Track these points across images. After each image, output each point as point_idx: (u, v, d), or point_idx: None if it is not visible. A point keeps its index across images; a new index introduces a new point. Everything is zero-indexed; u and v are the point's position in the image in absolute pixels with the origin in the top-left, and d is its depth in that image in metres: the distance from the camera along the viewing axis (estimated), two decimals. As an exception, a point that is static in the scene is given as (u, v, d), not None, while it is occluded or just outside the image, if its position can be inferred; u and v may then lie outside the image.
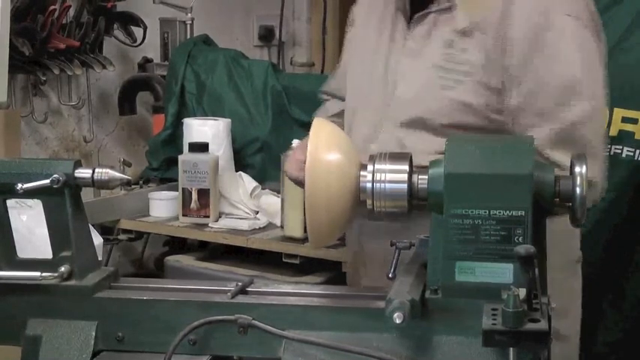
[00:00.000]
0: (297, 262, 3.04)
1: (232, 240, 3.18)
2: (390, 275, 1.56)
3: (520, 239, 1.33)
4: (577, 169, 1.36)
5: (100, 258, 1.69)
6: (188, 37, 3.98)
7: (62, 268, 1.49)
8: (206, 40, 3.95)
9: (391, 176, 1.42)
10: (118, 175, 1.53)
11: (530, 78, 1.79)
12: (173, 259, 3.30)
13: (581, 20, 1.83)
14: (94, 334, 1.47)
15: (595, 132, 1.82)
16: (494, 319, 1.25)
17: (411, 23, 1.92)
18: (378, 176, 1.42)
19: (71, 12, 3.59)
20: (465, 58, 1.82)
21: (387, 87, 1.93)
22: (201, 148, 3.29)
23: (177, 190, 3.31)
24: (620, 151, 2.73)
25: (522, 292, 1.25)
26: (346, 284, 2.24)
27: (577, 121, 1.78)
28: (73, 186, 1.49)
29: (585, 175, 1.36)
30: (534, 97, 1.79)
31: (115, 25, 3.80)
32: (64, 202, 1.49)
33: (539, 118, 1.79)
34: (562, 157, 1.73)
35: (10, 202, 1.52)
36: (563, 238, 1.96)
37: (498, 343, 1.24)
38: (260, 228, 3.22)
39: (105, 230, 3.40)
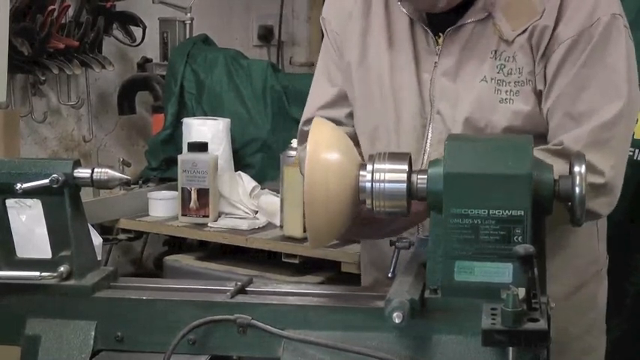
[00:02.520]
0: (296, 261, 3.05)
1: (232, 240, 3.18)
2: (389, 275, 1.55)
3: (519, 239, 1.33)
4: (576, 169, 1.36)
5: (99, 258, 1.69)
6: (187, 36, 3.98)
7: (61, 268, 1.49)
8: (205, 40, 3.95)
9: (390, 176, 1.41)
10: (117, 174, 1.52)
11: (569, 79, 1.76)
12: (172, 259, 3.30)
13: (622, 19, 1.80)
14: (93, 333, 1.47)
15: (622, 133, 1.79)
16: (494, 319, 1.25)
17: (444, 37, 1.84)
18: (377, 176, 1.41)
19: (70, 12, 3.60)
20: (514, 66, 1.78)
21: (424, 107, 1.86)
22: (201, 147, 3.30)
23: (176, 190, 3.31)
24: (619, 151, 2.73)
25: (522, 292, 1.25)
26: (345, 284, 2.23)
27: (609, 121, 1.75)
28: (73, 186, 1.49)
29: (585, 175, 1.36)
30: (570, 99, 1.76)
31: (115, 25, 3.80)
32: (63, 201, 1.48)
33: (574, 121, 1.76)
34: (592, 158, 1.70)
35: (9, 202, 1.52)
36: (579, 246, 1.94)
37: (497, 343, 1.24)
38: (259, 228, 3.22)
39: (104, 230, 3.40)
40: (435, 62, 1.85)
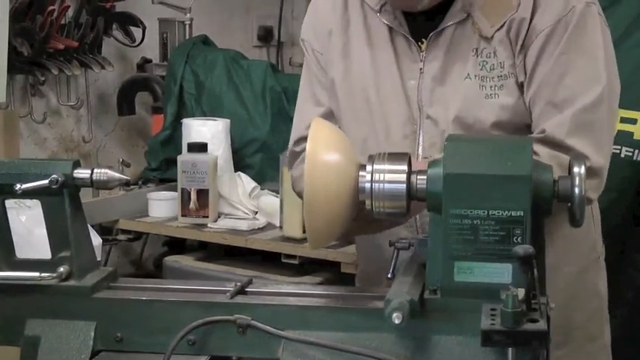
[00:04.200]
0: (296, 262, 3.05)
1: (231, 240, 3.18)
2: (389, 275, 1.56)
3: (519, 239, 1.33)
4: (576, 169, 1.36)
5: (98, 258, 1.69)
6: (187, 37, 3.98)
7: (61, 269, 1.49)
8: (205, 41, 3.95)
9: (390, 176, 1.41)
10: (116, 175, 1.52)
11: (549, 68, 1.78)
12: (172, 260, 3.30)
13: (596, 6, 1.83)
14: (92, 334, 1.47)
15: (604, 117, 1.81)
16: (493, 319, 1.25)
17: (427, 43, 1.85)
18: (376, 176, 1.41)
19: (70, 12, 3.59)
20: (496, 61, 1.81)
21: (413, 113, 1.87)
22: (200, 148, 3.30)
23: (176, 191, 3.31)
24: (618, 151, 2.73)
25: (521, 293, 1.25)
26: (344, 284, 2.23)
27: (589, 105, 1.77)
28: (72, 186, 1.49)
29: (584, 176, 1.36)
30: (551, 87, 1.78)
31: (114, 26, 3.80)
32: (62, 202, 1.48)
33: (556, 109, 1.78)
34: (576, 143, 1.74)
35: (8, 203, 1.52)
36: (578, 234, 1.94)
37: (497, 343, 1.24)
38: (259, 228, 3.22)
39: (104, 230, 3.40)
40: (421, 68, 1.87)
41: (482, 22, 1.82)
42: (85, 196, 2.81)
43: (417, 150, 1.87)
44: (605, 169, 1.81)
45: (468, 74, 1.82)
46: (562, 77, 1.78)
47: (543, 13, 1.79)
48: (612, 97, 1.83)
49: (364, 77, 1.91)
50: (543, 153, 1.72)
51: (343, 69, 1.94)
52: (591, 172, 1.75)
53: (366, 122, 1.91)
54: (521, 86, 1.82)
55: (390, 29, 1.89)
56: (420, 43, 1.87)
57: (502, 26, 1.81)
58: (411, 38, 1.87)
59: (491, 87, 1.82)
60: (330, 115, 1.98)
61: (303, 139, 1.91)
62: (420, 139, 1.87)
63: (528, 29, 1.79)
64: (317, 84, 2.01)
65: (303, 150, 1.86)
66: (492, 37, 1.81)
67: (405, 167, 1.42)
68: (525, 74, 1.81)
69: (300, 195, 1.93)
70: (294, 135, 2.05)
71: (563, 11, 1.79)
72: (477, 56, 1.82)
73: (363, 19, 1.93)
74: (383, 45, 1.90)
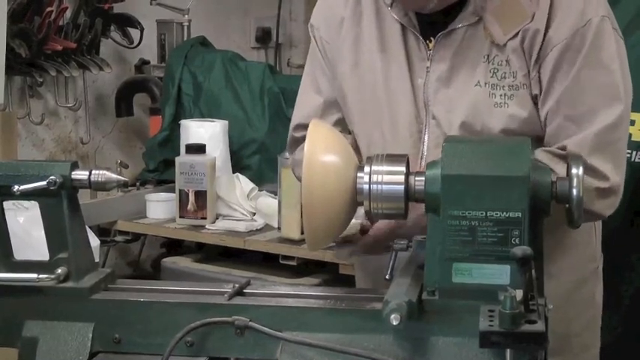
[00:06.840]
0: (294, 263, 3.05)
1: (229, 241, 3.19)
2: (387, 277, 1.56)
3: (517, 241, 1.33)
4: (574, 171, 1.36)
5: (96, 260, 1.69)
6: (185, 38, 3.98)
7: (59, 270, 1.49)
8: (203, 42, 3.95)
9: (388, 178, 1.41)
10: (114, 176, 1.53)
11: (567, 82, 1.76)
12: (170, 261, 3.30)
13: (612, 21, 1.81)
14: (90, 335, 1.47)
15: (624, 135, 1.80)
16: (491, 321, 1.25)
17: (435, 42, 1.84)
18: (374, 178, 1.41)
19: (68, 13, 3.59)
20: (508, 70, 1.78)
21: (419, 112, 1.86)
22: (198, 149, 3.30)
23: (174, 192, 3.31)
24: (617, 153, 2.73)
25: (519, 294, 1.25)
26: (343, 286, 2.23)
27: (611, 124, 1.75)
28: (70, 188, 1.49)
29: (582, 177, 1.36)
30: (570, 102, 1.76)
31: (112, 27, 3.80)
32: (60, 203, 1.49)
33: (574, 125, 1.76)
34: (598, 162, 1.73)
35: (6, 204, 1.52)
36: (579, 245, 1.95)
37: (495, 345, 1.24)
38: (257, 229, 3.22)
39: (102, 232, 3.40)
40: (427, 67, 1.85)
41: (494, 28, 1.79)
42: (83, 197, 2.81)
43: (422, 149, 1.86)
44: (621, 186, 1.79)
45: (479, 81, 1.80)
46: (581, 92, 1.76)
47: (559, 25, 1.76)
48: (629, 114, 1.82)
49: (374, 72, 1.89)
50: (562, 173, 1.69)
51: (353, 62, 1.92)
52: (610, 192, 1.75)
53: (374, 117, 1.90)
54: (535, 99, 1.79)
55: (403, 26, 1.87)
56: (428, 42, 1.85)
57: (516, 35, 1.77)
58: (419, 36, 1.85)
59: (501, 96, 1.79)
60: (331, 105, 1.98)
61: (303, 126, 1.92)
62: (425, 138, 1.86)
63: (543, 41, 1.76)
64: (320, 72, 1.99)
65: (303, 137, 1.82)
66: (505, 45, 1.78)
67: (403, 168, 1.42)
68: (540, 87, 1.78)
69: (299, 179, 1.93)
70: (294, 121, 2.05)
71: (579, 23, 1.76)
72: (489, 63, 1.80)
73: (376, 12, 1.90)
74: (394, 41, 1.88)
